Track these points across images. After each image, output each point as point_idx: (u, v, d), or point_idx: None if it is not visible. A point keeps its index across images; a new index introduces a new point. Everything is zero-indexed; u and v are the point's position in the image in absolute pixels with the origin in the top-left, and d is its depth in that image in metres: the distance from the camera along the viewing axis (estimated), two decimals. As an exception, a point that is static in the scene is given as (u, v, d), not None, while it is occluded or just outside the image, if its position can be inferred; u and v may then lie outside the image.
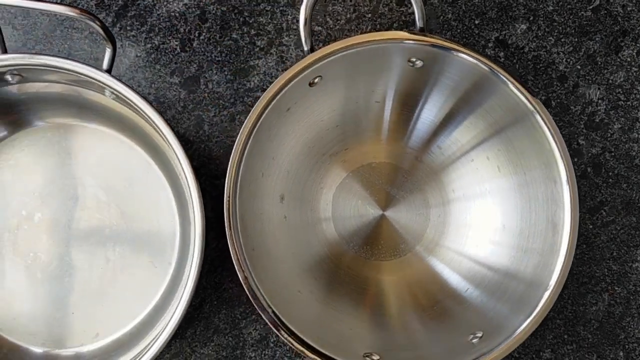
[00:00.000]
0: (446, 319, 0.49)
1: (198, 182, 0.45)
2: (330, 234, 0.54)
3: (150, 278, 0.52)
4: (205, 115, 0.55)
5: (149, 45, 0.55)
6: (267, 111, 0.46)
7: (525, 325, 0.44)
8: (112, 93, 0.47)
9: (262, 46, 0.55)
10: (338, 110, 0.52)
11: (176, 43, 0.55)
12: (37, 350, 0.51)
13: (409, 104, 0.51)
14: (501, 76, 0.44)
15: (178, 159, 0.45)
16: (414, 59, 0.48)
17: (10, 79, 0.47)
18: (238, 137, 0.45)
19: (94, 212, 0.52)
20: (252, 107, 0.54)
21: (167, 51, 0.55)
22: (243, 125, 0.45)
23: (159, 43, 0.55)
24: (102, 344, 0.52)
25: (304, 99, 0.49)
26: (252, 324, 0.53)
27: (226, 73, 0.55)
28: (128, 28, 0.55)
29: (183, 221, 0.52)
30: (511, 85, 0.45)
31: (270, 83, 0.54)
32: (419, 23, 0.46)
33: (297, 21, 0.55)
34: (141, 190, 0.52)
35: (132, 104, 0.45)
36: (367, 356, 0.46)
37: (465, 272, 0.51)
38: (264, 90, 0.54)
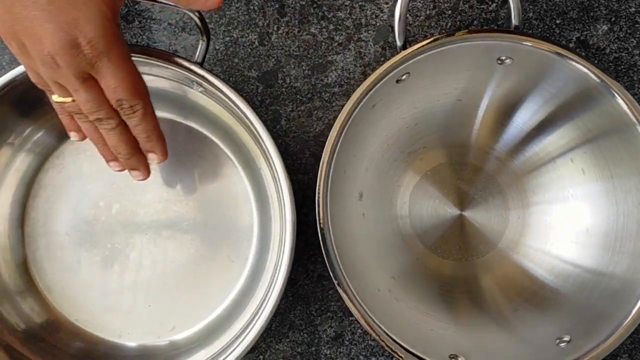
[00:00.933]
0: (530, 321, 0.48)
1: (289, 180, 0.44)
2: (407, 233, 0.53)
3: (227, 272, 0.52)
4: (282, 110, 0.54)
5: (227, 39, 0.54)
6: (358, 107, 0.45)
7: (620, 330, 0.43)
8: (201, 86, 0.46)
9: (340, 41, 0.55)
10: (420, 107, 0.52)
11: (254, 37, 0.54)
12: (113, 341, 0.51)
13: (498, 106, 0.51)
14: (612, 89, 0.44)
15: (269, 154, 0.45)
16: (503, 57, 0.47)
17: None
18: (330, 134, 0.45)
19: (172, 205, 0.52)
20: (330, 102, 0.53)
21: (245, 45, 0.54)
22: (336, 122, 0.45)
23: (238, 36, 0.54)
24: (179, 337, 0.51)
25: (389, 96, 0.49)
26: (327, 321, 0.53)
27: (304, 68, 0.54)
28: (207, 20, 0.54)
29: (262, 216, 0.51)
30: (619, 99, 0.44)
31: (348, 79, 0.53)
32: (514, 21, 0.46)
33: (376, 17, 0.55)
34: (219, 185, 0.52)
35: (224, 97, 0.45)
36: (452, 357, 0.46)
37: (549, 270, 0.50)
38: (341, 86, 0.54)
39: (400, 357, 0.43)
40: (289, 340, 0.53)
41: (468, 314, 0.50)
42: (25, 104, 0.48)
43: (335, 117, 0.54)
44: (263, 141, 0.45)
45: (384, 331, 0.44)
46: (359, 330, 0.53)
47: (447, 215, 0.53)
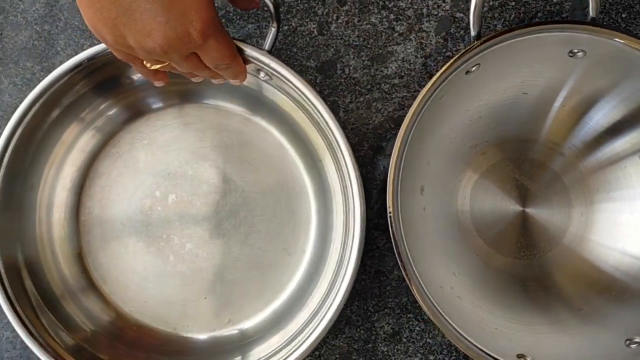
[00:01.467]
0: (600, 320, 0.47)
1: (359, 170, 0.43)
2: (467, 229, 0.52)
3: (284, 266, 0.51)
4: (340, 102, 0.53)
5: (286, 27, 0.53)
6: (431, 98, 0.44)
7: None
8: (268, 75, 0.45)
9: (401, 31, 0.53)
10: (484, 100, 0.51)
11: (314, 26, 0.53)
12: (168, 331, 0.50)
13: (568, 101, 0.49)
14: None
15: (338, 145, 0.44)
16: (575, 50, 0.46)
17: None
18: (402, 126, 0.43)
19: (229, 197, 0.51)
20: (389, 94, 0.52)
21: (304, 34, 0.53)
22: (409, 111, 0.44)
23: (297, 25, 0.53)
24: (235, 331, 0.50)
25: (456, 88, 0.47)
26: (385, 317, 0.52)
27: (363, 58, 0.53)
28: (265, 9, 0.53)
29: (322, 210, 0.50)
30: None
31: (409, 70, 0.52)
32: (592, 12, 0.44)
33: (438, 7, 0.53)
34: (277, 177, 0.51)
35: (291, 87, 0.44)
36: (520, 357, 0.45)
37: (616, 265, 0.49)
38: (401, 77, 0.52)
39: (471, 356, 0.42)
40: (345, 337, 0.52)
41: (533, 312, 0.49)
42: (102, 81, 0.48)
43: (395, 109, 0.53)
44: (332, 132, 0.44)
45: (454, 328, 0.42)
46: (417, 328, 0.52)
47: (508, 211, 0.52)
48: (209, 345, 0.50)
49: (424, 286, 0.43)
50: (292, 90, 0.45)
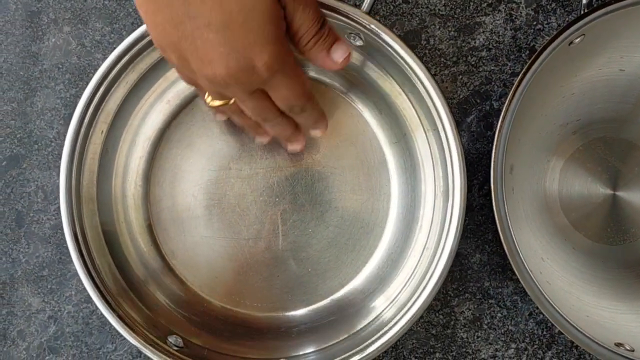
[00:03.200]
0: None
1: (463, 151, 0.41)
2: (554, 212, 0.50)
3: (361, 245, 0.48)
4: (424, 74, 0.50)
5: (369, -6, 0.50)
6: (538, 70, 0.41)
7: None
8: (362, 39, 0.43)
9: (490, 2, 0.51)
10: (579, 76, 0.48)
11: (398, -7, 0.51)
12: (236, 309, 0.48)
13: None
14: None
15: (440, 116, 0.41)
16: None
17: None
18: (506, 105, 0.41)
19: (305, 173, 0.48)
20: (476, 67, 0.50)
21: (388, 1, 0.51)
22: (512, 90, 0.41)
23: (380, -8, 0.51)
24: (306, 311, 0.48)
25: (556, 61, 0.45)
26: (465, 302, 0.49)
27: (450, 29, 0.51)
28: (347, -27, 0.50)
29: (405, 186, 0.48)
30: None
31: (497, 42, 0.50)
32: None
33: (530, -22, 0.50)
34: (357, 151, 0.48)
35: (389, 52, 0.41)
36: (618, 345, 0.42)
37: None
38: (489, 49, 0.50)
39: (572, 339, 0.39)
40: (423, 321, 0.49)
41: (627, 300, 0.46)
42: None
43: (482, 83, 0.50)
44: (432, 101, 0.41)
45: (554, 308, 0.40)
46: (499, 314, 0.49)
47: (598, 194, 0.50)
48: (278, 325, 0.48)
49: (527, 266, 0.40)
50: (389, 56, 0.42)
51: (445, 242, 0.42)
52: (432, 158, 0.45)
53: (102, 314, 0.48)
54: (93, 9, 0.50)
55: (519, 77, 0.42)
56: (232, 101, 0.38)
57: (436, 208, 0.45)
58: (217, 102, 0.38)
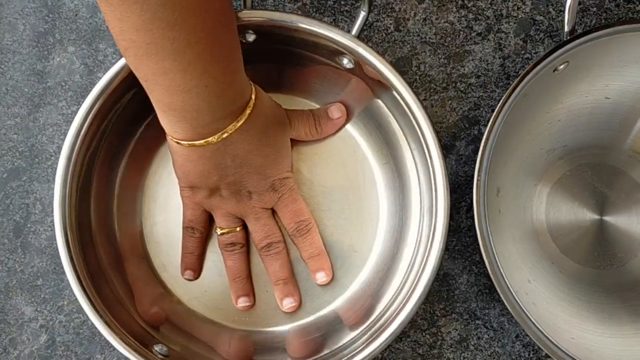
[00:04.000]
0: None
1: (446, 170, 0.42)
2: (542, 234, 0.50)
3: (349, 263, 0.49)
4: (414, 98, 0.52)
5: (362, 21, 0.52)
6: (519, 93, 0.42)
7: None
8: (351, 62, 0.44)
9: (479, 31, 0.52)
10: (565, 103, 0.49)
11: (390, 22, 0.52)
12: (225, 324, 0.48)
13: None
14: None
15: (423, 136, 0.42)
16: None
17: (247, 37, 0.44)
18: (489, 126, 0.42)
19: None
20: (465, 93, 0.51)
21: (380, 29, 0.52)
22: (498, 105, 0.42)
23: (373, 20, 0.52)
24: (293, 327, 0.48)
25: (541, 86, 0.46)
26: (452, 323, 0.50)
27: (440, 56, 0.52)
28: (342, 2, 0.52)
29: (393, 207, 0.49)
30: None
31: (486, 70, 0.51)
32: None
33: (518, 8, 0.52)
34: (347, 171, 0.50)
35: (376, 75, 0.43)
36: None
37: None
38: (478, 77, 0.51)
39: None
40: (410, 340, 0.50)
41: (613, 324, 0.47)
42: None
43: (470, 109, 0.51)
44: (417, 122, 0.42)
45: (539, 330, 0.40)
46: (486, 336, 0.50)
47: (585, 219, 0.50)
48: (266, 339, 0.48)
49: (510, 286, 0.41)
50: (376, 78, 0.43)
51: (427, 259, 0.43)
52: (418, 178, 0.46)
53: (92, 324, 0.48)
54: (97, 30, 0.52)
55: (503, 98, 0.43)
56: (238, 228, 0.47)
57: (422, 226, 0.46)
58: (225, 230, 0.47)
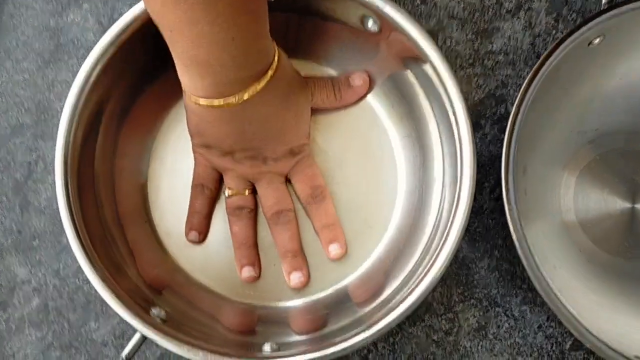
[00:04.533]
0: None
1: (475, 147, 0.39)
2: (569, 221, 0.47)
3: (363, 239, 0.46)
4: (439, 74, 0.50)
5: (388, -8, 0.50)
6: (550, 67, 0.40)
7: None
8: (376, 23, 0.42)
9: (509, 8, 0.50)
10: (598, 82, 0.47)
11: (417, -6, 0.50)
12: (228, 296, 0.46)
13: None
14: None
15: (453, 106, 0.40)
16: None
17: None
18: (516, 103, 0.40)
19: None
20: (492, 70, 0.49)
21: (406, 2, 0.50)
22: (521, 91, 0.40)
23: (399, -9, 0.51)
24: (302, 303, 0.45)
25: (572, 61, 0.44)
26: (470, 309, 0.47)
27: (467, 32, 0.50)
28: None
29: (413, 182, 0.46)
30: None
31: (515, 48, 0.49)
32: None
33: (550, -13, 0.50)
34: (365, 142, 0.47)
35: (402, 34, 0.41)
36: (638, 358, 0.39)
37: None
38: (507, 54, 0.49)
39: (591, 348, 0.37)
40: (424, 325, 0.46)
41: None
42: None
43: (498, 87, 0.49)
44: (447, 90, 0.40)
45: (573, 316, 0.37)
46: (506, 325, 0.46)
47: (616, 206, 0.47)
48: (269, 314, 0.45)
49: (539, 266, 0.38)
50: (405, 45, 0.41)
51: (447, 238, 0.40)
52: (442, 153, 0.44)
53: (88, 290, 0.46)
54: (114, -12, 0.50)
55: (535, 67, 0.41)
56: (247, 192, 0.45)
57: (443, 204, 0.43)
58: (233, 192, 0.44)
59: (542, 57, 0.41)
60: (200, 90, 0.38)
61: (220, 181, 0.45)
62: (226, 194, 0.45)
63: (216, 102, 0.38)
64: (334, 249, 0.45)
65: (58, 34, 0.50)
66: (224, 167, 0.44)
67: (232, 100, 0.38)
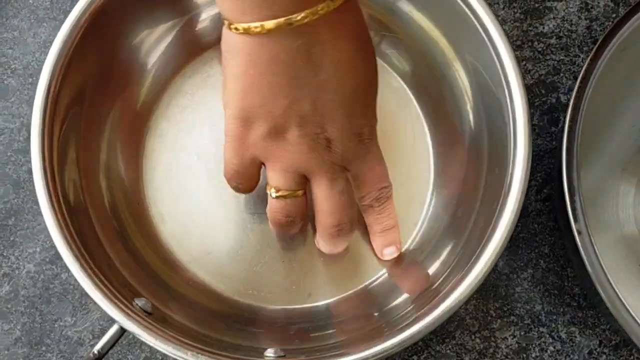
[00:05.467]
0: None
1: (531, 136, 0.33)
2: (630, 233, 0.41)
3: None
4: (482, 56, 0.44)
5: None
6: (612, 50, 0.35)
7: None
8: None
9: (564, -13, 0.44)
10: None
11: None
12: (228, 294, 0.39)
13: None
14: None
15: (506, 79, 0.34)
16: None
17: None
18: (577, 86, 0.34)
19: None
20: (543, 54, 0.43)
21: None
22: (582, 72, 0.34)
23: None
24: (313, 307, 0.39)
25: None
26: (510, 327, 0.40)
27: (515, 10, 0.44)
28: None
29: (442, 172, 0.40)
30: None
31: (570, 31, 0.43)
32: None
33: (612, -34, 0.44)
34: (393, 127, 0.41)
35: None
36: None
37: None
38: (559, 37, 0.43)
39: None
40: (455, 343, 0.40)
41: None
42: None
43: (548, 73, 0.43)
44: (496, 49, 0.34)
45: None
46: (551, 348, 0.39)
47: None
48: (279, 317, 0.39)
49: (613, 285, 0.31)
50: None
51: (487, 242, 0.33)
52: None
53: (65, 279, 0.40)
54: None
55: (598, 45, 0.35)
56: (300, 192, 0.34)
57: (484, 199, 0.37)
58: (282, 193, 0.34)
59: (605, 33, 0.35)
60: (248, 9, 0.28)
61: (256, 179, 0.35)
62: (272, 194, 0.34)
63: (272, 23, 0.28)
64: (390, 253, 0.38)
65: (55, -9, 0.45)
66: (269, 153, 0.32)
67: (294, 17, 0.28)
